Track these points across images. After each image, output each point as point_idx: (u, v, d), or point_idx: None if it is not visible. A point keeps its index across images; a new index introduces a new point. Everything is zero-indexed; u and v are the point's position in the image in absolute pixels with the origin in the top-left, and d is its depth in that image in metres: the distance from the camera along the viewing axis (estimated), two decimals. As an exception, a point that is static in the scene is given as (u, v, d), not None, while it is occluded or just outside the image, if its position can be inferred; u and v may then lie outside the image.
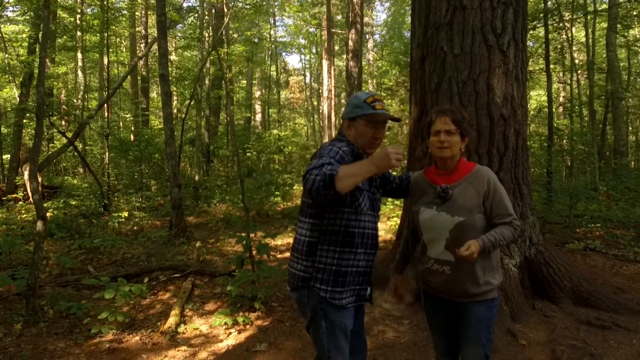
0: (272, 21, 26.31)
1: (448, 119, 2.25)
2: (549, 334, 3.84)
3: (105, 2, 13.16)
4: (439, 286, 2.33)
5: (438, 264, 2.30)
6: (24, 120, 12.26)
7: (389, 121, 2.34)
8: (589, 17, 13.20)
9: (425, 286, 2.44)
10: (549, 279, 4.39)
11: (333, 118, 18.93)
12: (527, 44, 6.28)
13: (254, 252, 4.92)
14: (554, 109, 12.49)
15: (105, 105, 13.34)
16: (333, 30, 19.10)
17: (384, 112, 2.22)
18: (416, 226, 2.42)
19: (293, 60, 65.01)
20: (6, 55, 14.56)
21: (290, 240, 7.89)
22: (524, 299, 4.25)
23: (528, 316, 4.12)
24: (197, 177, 13.10)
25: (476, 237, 2.15)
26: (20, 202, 10.61)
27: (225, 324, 4.20)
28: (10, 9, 16.03)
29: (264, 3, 17.55)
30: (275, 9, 23.21)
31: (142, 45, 18.08)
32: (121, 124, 19.26)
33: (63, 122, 16.55)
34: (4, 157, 13.27)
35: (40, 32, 11.24)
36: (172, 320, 4.26)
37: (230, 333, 4.10)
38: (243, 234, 5.04)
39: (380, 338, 3.89)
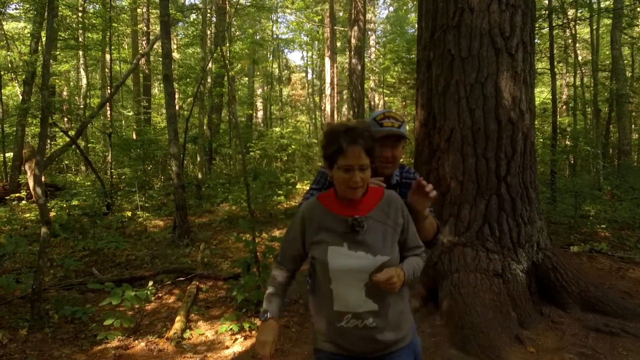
0: (274, 18, 26.24)
1: (362, 150, 1.74)
2: (557, 341, 3.81)
3: (107, 0, 13.13)
4: (358, 346, 1.79)
5: (357, 319, 1.77)
6: (27, 119, 12.24)
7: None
8: (593, 15, 13.11)
9: (333, 347, 1.83)
10: (557, 284, 4.36)
11: (335, 115, 18.89)
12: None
13: (259, 256, 4.90)
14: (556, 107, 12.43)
15: (108, 103, 13.30)
16: (335, 27, 19.02)
17: (390, 128, 2.07)
18: (313, 273, 1.88)
19: (295, 57, 64.83)
20: (8, 53, 14.54)
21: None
22: (531, 304, 4.23)
23: (536, 322, 4.09)
24: (200, 176, 13.08)
25: None
26: (23, 202, 10.60)
27: (231, 329, 4.19)
28: (13, 6, 15.99)
29: (267, 0, 17.49)
30: (278, 5, 23.11)
31: (144, 42, 18.03)
32: (123, 122, 19.22)
33: (65, 120, 16.53)
34: (7, 155, 13.25)
35: (43, 31, 11.22)
36: (177, 325, 4.24)
37: (236, 339, 4.09)
38: (247, 235, 5.03)
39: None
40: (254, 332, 4.21)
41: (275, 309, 1.87)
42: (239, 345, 3.97)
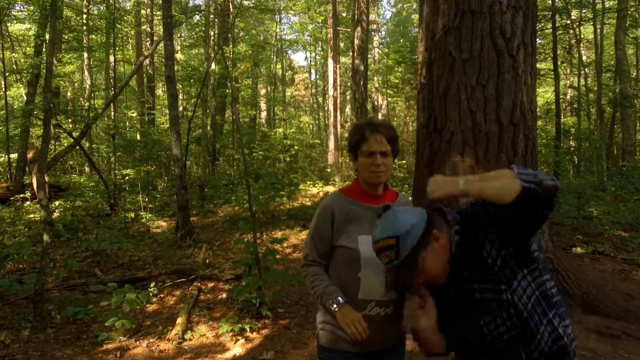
0: (278, 18, 26.27)
1: (383, 137, 1.91)
2: (558, 344, 3.79)
3: (111, 1, 13.18)
4: (378, 334, 1.85)
5: (380, 307, 1.86)
6: (31, 120, 12.31)
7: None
8: (597, 16, 13.06)
9: (349, 344, 1.88)
10: (558, 287, 4.34)
11: (338, 116, 18.89)
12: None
13: (260, 257, 4.90)
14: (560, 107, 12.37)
15: (112, 104, 13.36)
16: (339, 28, 19.02)
17: (390, 267, 1.60)
18: (335, 265, 1.95)
19: (298, 58, 64.90)
20: (13, 55, 14.64)
21: (297, 241, 7.86)
22: (532, 306, 4.21)
23: (537, 324, 4.08)
24: (203, 176, 13.12)
25: None
26: (27, 202, 10.66)
27: (232, 331, 4.20)
28: (17, 7, 16.10)
29: (269, 1, 17.50)
30: (281, 7, 23.13)
31: (148, 43, 18.09)
32: (127, 123, 19.30)
33: (70, 120, 16.61)
34: (12, 156, 13.33)
35: (47, 33, 11.29)
36: (178, 327, 4.26)
37: (237, 340, 4.10)
38: (249, 236, 5.04)
39: None
40: (255, 333, 4.23)
41: (343, 296, 1.86)
42: (240, 347, 3.98)
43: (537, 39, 15.54)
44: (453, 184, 1.54)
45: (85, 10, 15.07)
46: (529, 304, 1.53)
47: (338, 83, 18.82)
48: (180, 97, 19.17)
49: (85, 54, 16.36)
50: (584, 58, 16.26)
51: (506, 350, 1.57)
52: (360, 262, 1.85)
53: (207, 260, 6.76)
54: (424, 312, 1.65)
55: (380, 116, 24.74)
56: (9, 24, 15.37)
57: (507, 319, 1.54)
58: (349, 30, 19.23)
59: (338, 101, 18.90)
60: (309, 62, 36.30)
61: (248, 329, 4.22)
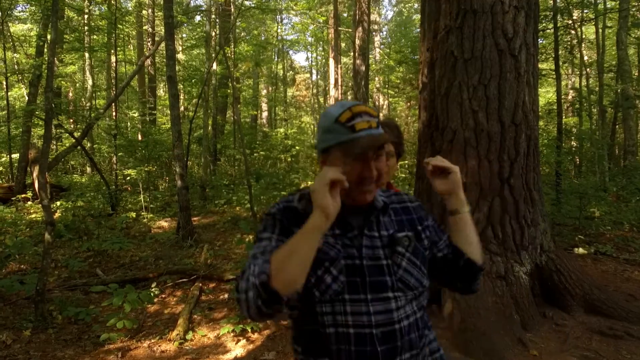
0: (279, 19, 26.27)
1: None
2: (560, 344, 3.79)
3: (113, 2, 13.18)
4: None
5: None
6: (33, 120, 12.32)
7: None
8: (599, 16, 13.03)
9: None
10: (560, 287, 4.34)
11: (340, 116, 18.84)
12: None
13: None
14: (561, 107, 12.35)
15: (113, 104, 13.38)
16: (340, 28, 19.02)
17: (369, 133, 1.26)
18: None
19: (300, 58, 64.93)
20: (15, 55, 14.65)
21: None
22: (534, 307, 4.21)
23: (539, 325, 4.07)
24: (204, 177, 13.11)
25: None
26: (29, 202, 10.66)
27: (234, 331, 4.19)
28: (19, 7, 16.14)
29: (270, 1, 17.49)
30: (282, 7, 23.15)
31: (149, 43, 18.10)
32: (129, 123, 19.31)
33: (71, 121, 16.62)
34: (13, 156, 13.34)
35: (49, 34, 11.30)
36: (180, 327, 4.25)
37: (238, 340, 4.09)
38: (251, 236, 5.03)
39: None
40: (256, 334, 4.22)
41: None
42: (241, 348, 3.97)
43: (539, 39, 15.50)
44: (457, 183, 1.48)
45: (86, 11, 15.08)
46: (425, 303, 1.43)
47: (339, 83, 18.82)
48: (182, 97, 19.18)
49: (87, 54, 16.35)
50: (586, 58, 16.21)
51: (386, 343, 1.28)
52: None
53: (209, 261, 6.76)
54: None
55: (381, 116, 24.70)
56: (10, 25, 15.37)
57: (415, 310, 1.35)
58: (350, 30, 19.21)
59: (339, 101, 18.88)
60: (310, 62, 36.29)
61: (249, 330, 4.22)
